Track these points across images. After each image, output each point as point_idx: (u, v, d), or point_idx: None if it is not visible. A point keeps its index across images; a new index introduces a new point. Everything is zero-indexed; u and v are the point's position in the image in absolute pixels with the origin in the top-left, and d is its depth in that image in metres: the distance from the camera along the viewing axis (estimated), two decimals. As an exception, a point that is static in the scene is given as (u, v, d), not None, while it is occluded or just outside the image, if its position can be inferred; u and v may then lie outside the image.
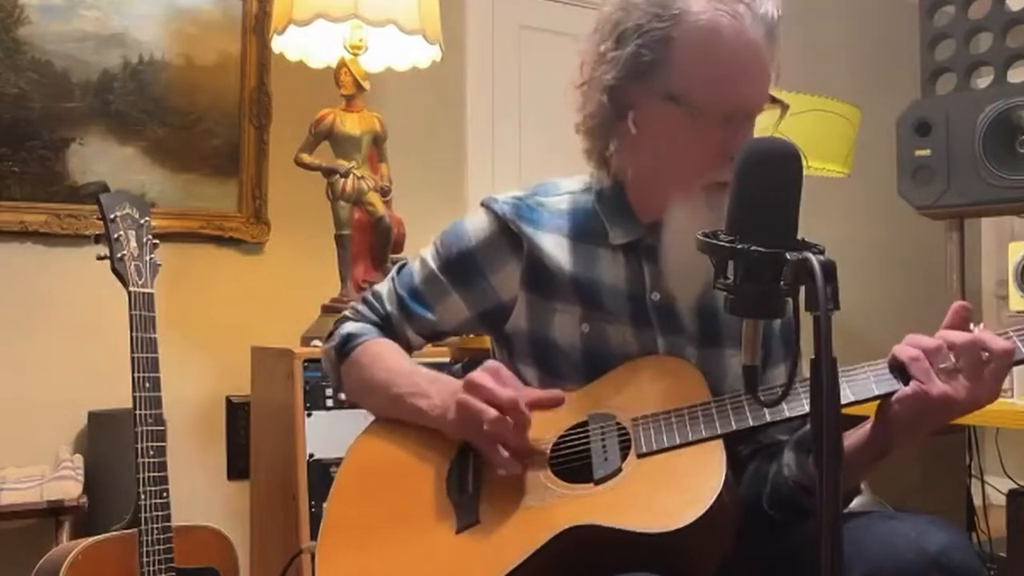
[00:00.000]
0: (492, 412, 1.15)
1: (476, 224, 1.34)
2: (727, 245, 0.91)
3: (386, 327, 1.40)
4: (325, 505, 1.28)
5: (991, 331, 1.08)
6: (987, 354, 1.05)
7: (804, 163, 0.94)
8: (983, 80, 2.45)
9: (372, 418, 1.37)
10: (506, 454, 1.16)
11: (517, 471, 1.16)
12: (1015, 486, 2.63)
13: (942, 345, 1.06)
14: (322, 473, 2.21)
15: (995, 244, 3.78)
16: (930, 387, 1.05)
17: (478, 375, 1.19)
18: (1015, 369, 1.75)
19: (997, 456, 2.92)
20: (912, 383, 1.06)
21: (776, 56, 1.22)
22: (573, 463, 1.17)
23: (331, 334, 1.43)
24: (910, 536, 1.06)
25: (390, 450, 1.29)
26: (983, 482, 2.80)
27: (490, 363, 1.22)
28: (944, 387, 1.05)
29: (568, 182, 1.37)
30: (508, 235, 1.31)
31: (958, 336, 1.06)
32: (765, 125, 1.24)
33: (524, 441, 1.17)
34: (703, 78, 1.17)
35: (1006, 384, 1.78)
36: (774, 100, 1.23)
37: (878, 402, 1.11)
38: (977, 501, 2.83)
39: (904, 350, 1.07)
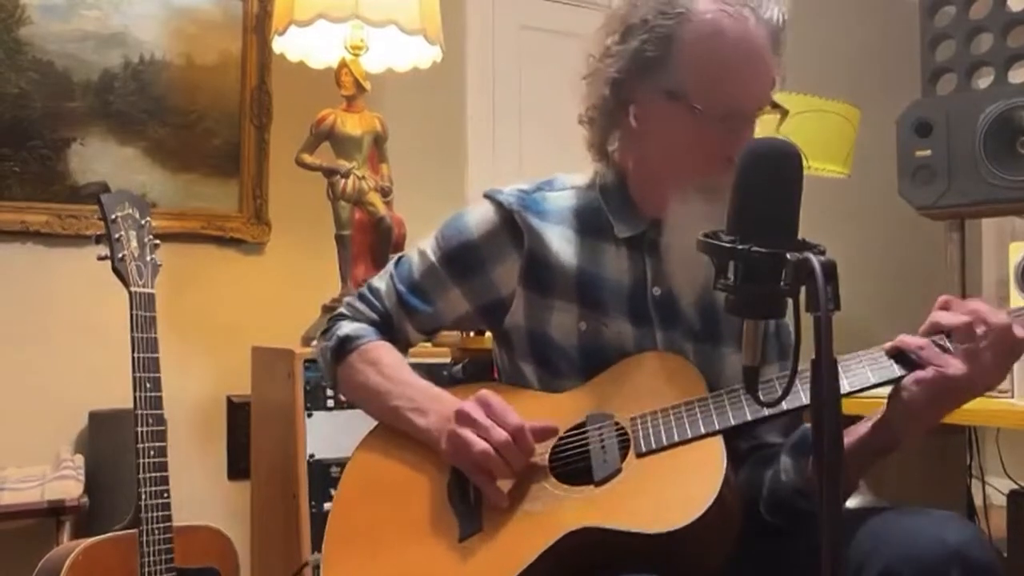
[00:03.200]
0: (482, 446, 1.15)
1: (478, 216, 1.34)
2: (727, 245, 0.91)
3: (385, 325, 1.40)
4: (328, 517, 1.28)
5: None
6: (1015, 338, 1.05)
7: (804, 163, 0.95)
8: (984, 80, 2.45)
9: (373, 421, 1.36)
10: (497, 488, 1.16)
11: (505, 504, 1.15)
12: (1016, 486, 2.63)
13: (972, 322, 1.05)
14: (323, 473, 2.21)
15: (996, 244, 3.78)
16: (948, 367, 1.05)
17: (470, 407, 1.18)
18: (1016, 369, 1.76)
19: (998, 456, 2.92)
20: (930, 368, 1.06)
21: (781, 61, 1.23)
22: (573, 465, 1.17)
23: (326, 331, 1.41)
24: (931, 531, 1.06)
25: (391, 459, 1.29)
26: (984, 482, 2.80)
27: (482, 393, 1.21)
28: (962, 366, 1.05)
29: (572, 177, 1.37)
30: (510, 228, 1.31)
31: (991, 315, 1.05)
32: (764, 130, 1.25)
33: (515, 476, 1.17)
34: (703, 77, 1.19)
35: (1006, 384, 1.77)
36: (775, 105, 1.24)
37: (890, 390, 1.11)
38: (978, 501, 2.83)
39: (950, 317, 1.06)
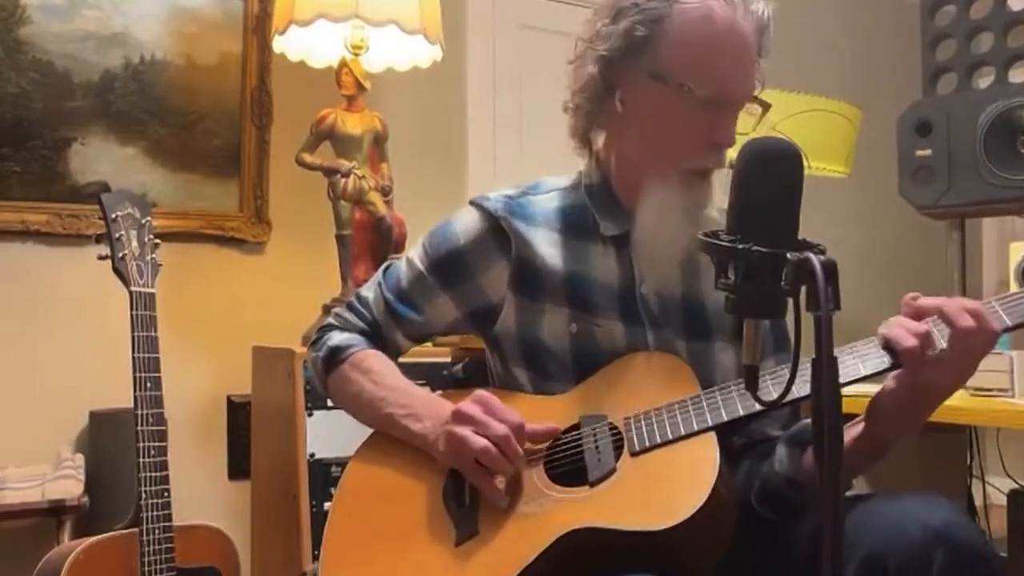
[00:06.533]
0: (482, 443, 1.15)
1: (465, 223, 1.34)
2: (728, 245, 0.91)
3: (374, 334, 1.39)
4: (325, 526, 1.28)
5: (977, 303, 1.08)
6: (975, 334, 1.05)
7: (805, 163, 0.94)
8: (984, 80, 2.45)
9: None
10: (496, 486, 1.16)
11: (505, 503, 1.16)
12: (1016, 486, 2.63)
13: (930, 331, 1.07)
14: (323, 473, 2.21)
15: (996, 244, 3.78)
16: (918, 375, 1.06)
17: (467, 406, 1.19)
18: (1016, 369, 1.76)
19: (998, 456, 2.92)
20: (900, 372, 1.07)
21: (763, 58, 1.25)
22: (568, 467, 1.18)
23: (316, 341, 1.42)
24: (914, 514, 1.07)
25: (386, 466, 1.29)
26: (984, 482, 2.80)
27: (479, 393, 1.21)
28: (932, 373, 1.06)
29: (557, 179, 1.38)
30: (497, 234, 1.31)
31: (954, 312, 1.06)
32: (744, 126, 1.25)
33: (514, 473, 1.17)
34: (691, 59, 1.20)
35: (1007, 384, 1.77)
36: (757, 100, 1.25)
37: (869, 401, 1.12)
38: (978, 501, 2.83)
39: (901, 337, 1.07)
